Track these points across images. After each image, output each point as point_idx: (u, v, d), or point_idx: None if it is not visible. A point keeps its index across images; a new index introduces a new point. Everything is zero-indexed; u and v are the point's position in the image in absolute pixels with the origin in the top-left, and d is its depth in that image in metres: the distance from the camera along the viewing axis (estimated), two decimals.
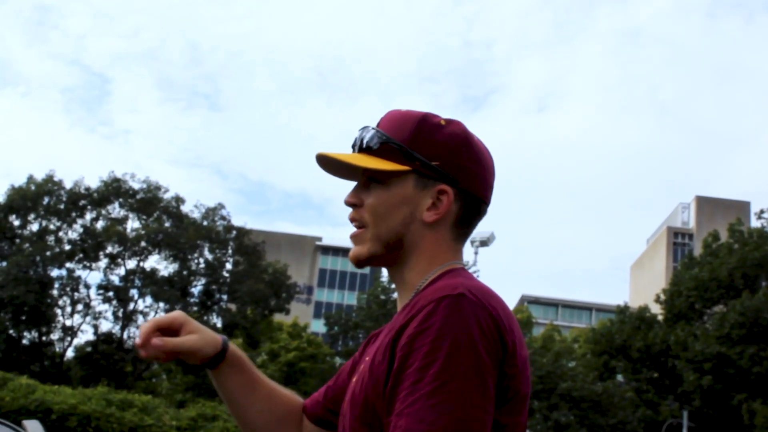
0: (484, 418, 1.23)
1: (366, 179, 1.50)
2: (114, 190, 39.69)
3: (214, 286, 40.82)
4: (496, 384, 1.27)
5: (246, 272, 40.76)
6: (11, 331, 36.87)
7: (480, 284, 1.36)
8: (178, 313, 1.59)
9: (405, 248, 1.47)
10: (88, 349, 39.65)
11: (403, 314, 1.37)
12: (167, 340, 1.53)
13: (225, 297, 41.45)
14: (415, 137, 1.46)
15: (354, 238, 1.51)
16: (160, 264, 40.54)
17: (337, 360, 45.34)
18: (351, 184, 1.54)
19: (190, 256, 39.97)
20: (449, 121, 1.51)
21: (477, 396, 1.22)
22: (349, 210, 1.52)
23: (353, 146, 1.53)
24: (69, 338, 39.29)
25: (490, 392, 1.25)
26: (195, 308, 40.37)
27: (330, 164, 1.52)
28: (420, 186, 1.45)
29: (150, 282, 38.92)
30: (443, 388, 1.21)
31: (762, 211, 38.97)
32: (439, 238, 1.47)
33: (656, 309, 42.66)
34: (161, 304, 39.20)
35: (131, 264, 39.81)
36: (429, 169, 1.45)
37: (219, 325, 41.73)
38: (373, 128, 1.50)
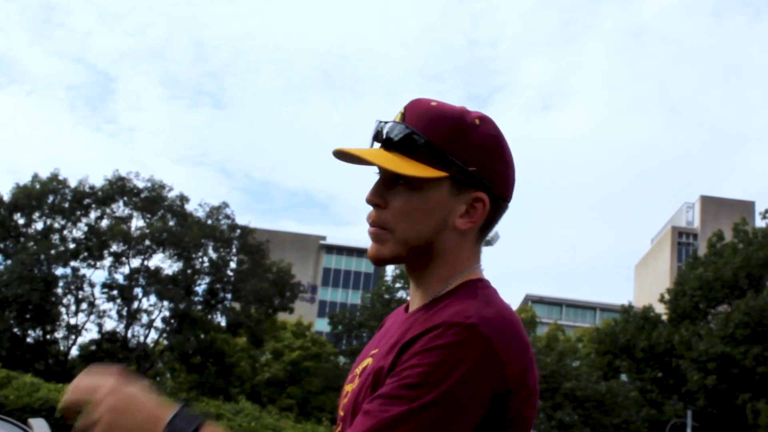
0: None
1: (392, 177, 1.40)
2: (118, 188, 39.73)
3: (218, 285, 40.85)
4: (489, 417, 1.26)
5: (250, 271, 40.78)
6: (16, 330, 36.94)
7: (496, 308, 1.32)
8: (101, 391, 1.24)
9: (433, 255, 1.41)
10: (93, 347, 39.73)
11: (417, 324, 1.35)
12: None
13: (229, 296, 41.48)
14: (452, 140, 1.37)
15: (375, 235, 1.42)
16: (164, 263, 40.62)
17: (341, 359, 45.36)
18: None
19: (194, 255, 40.00)
20: (482, 120, 1.43)
21: (452, 422, 1.21)
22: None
23: (376, 138, 1.43)
24: (73, 337, 39.37)
25: (468, 423, 1.23)
26: (199, 307, 40.42)
27: (350, 157, 1.41)
28: (454, 192, 1.38)
29: (154, 281, 38.95)
30: (420, 409, 1.21)
31: (767, 211, 38.90)
32: (465, 244, 1.43)
33: (660, 309, 42.63)
34: (165, 303, 39.25)
35: (135, 262, 39.89)
36: (466, 174, 1.38)
37: (223, 323, 41.78)
38: (407, 127, 1.39)
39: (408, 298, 1.54)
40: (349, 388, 1.46)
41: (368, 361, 1.45)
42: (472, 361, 1.23)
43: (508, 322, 1.31)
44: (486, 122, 1.43)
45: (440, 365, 1.23)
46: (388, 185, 1.41)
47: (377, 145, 1.44)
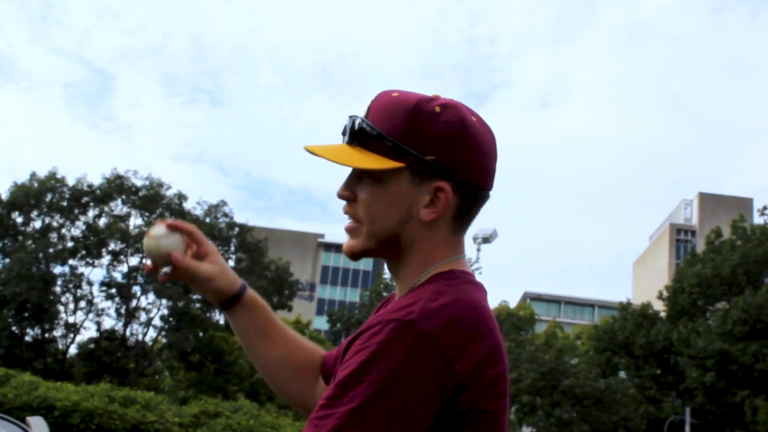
0: None
1: (359, 171, 1.41)
2: (117, 187, 39.71)
3: None
4: (448, 412, 1.23)
5: (248, 269, 40.77)
6: (14, 328, 36.92)
7: (451, 299, 1.29)
8: (210, 244, 1.59)
9: (402, 246, 1.40)
10: (91, 346, 39.71)
11: (373, 316, 1.35)
12: (185, 258, 1.54)
13: None
14: (407, 129, 1.36)
15: (349, 231, 1.43)
16: None
17: None
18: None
19: None
20: (444, 106, 1.39)
21: (383, 426, 1.18)
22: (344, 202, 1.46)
23: (343, 133, 1.44)
24: (72, 335, 39.35)
25: (409, 428, 1.20)
26: (198, 305, 40.42)
27: (321, 156, 1.43)
28: (416, 182, 1.37)
29: (152, 279, 38.91)
30: (356, 413, 1.18)
31: (765, 208, 38.93)
32: (437, 235, 1.40)
33: (659, 306, 42.67)
34: (164, 301, 39.25)
35: (134, 261, 39.87)
36: (424, 164, 1.35)
37: (222, 321, 41.77)
38: (362, 119, 1.40)
39: None
40: None
41: None
42: (406, 358, 1.20)
43: (460, 312, 1.27)
44: (449, 109, 1.39)
45: (373, 363, 1.20)
46: (358, 178, 1.42)
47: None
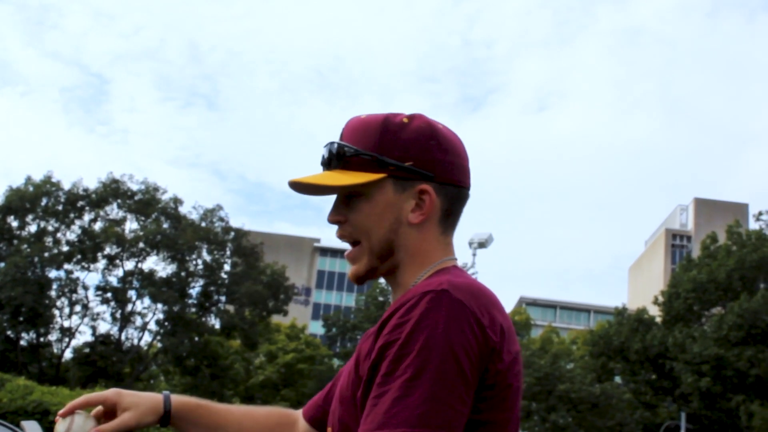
0: (450, 414, 1.22)
1: (345, 195, 1.48)
2: (112, 191, 39.66)
3: (212, 288, 40.81)
4: (479, 380, 1.27)
5: (244, 274, 40.74)
6: (9, 332, 36.81)
7: (467, 280, 1.36)
8: (110, 392, 1.59)
9: (396, 253, 1.46)
10: (86, 350, 39.62)
11: (390, 309, 1.37)
12: (102, 428, 1.52)
13: (223, 298, 41.43)
14: (382, 142, 1.44)
15: (351, 258, 1.49)
16: (158, 265, 40.54)
17: (335, 361, 45.35)
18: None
19: (188, 258, 39.96)
20: (412, 117, 1.48)
21: (446, 392, 1.22)
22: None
23: (322, 164, 1.50)
24: (67, 339, 39.26)
25: (463, 389, 1.24)
26: (193, 309, 40.37)
27: (306, 188, 1.49)
28: (399, 189, 1.44)
29: (148, 283, 38.89)
30: (412, 382, 1.22)
31: (760, 213, 39.02)
32: (428, 236, 1.47)
33: (654, 311, 42.69)
34: (159, 306, 39.20)
35: (129, 265, 39.82)
36: (403, 170, 1.43)
37: (217, 326, 41.73)
38: (338, 143, 1.47)
39: None
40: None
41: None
42: (447, 322, 1.26)
43: (481, 291, 1.35)
44: (415, 118, 1.49)
45: (419, 333, 1.25)
46: (345, 202, 1.48)
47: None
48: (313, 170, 1.52)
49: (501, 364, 1.30)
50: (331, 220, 1.50)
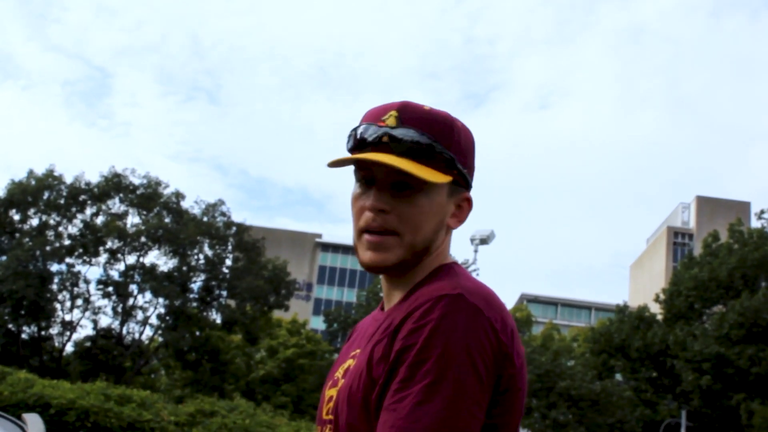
0: (469, 420, 1.22)
1: (398, 181, 1.39)
2: (114, 185, 39.69)
3: (213, 282, 40.84)
4: (493, 385, 1.28)
5: (245, 268, 40.76)
6: (11, 326, 36.88)
7: (477, 284, 1.35)
8: None
9: (427, 254, 1.43)
10: (88, 344, 39.68)
11: (401, 309, 1.36)
12: None
13: (224, 293, 41.47)
14: (454, 144, 1.40)
15: (378, 245, 1.40)
16: (159, 259, 40.59)
17: (336, 357, 45.31)
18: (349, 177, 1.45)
19: (189, 252, 39.98)
20: (461, 122, 1.47)
21: (465, 397, 1.22)
22: (357, 212, 1.43)
23: (374, 143, 1.39)
24: (68, 333, 39.32)
25: (480, 395, 1.24)
26: (194, 304, 40.39)
27: (397, 171, 1.37)
28: (450, 193, 1.43)
29: (150, 277, 38.92)
30: (432, 387, 1.21)
31: (762, 212, 38.96)
32: (448, 239, 1.48)
33: (655, 308, 42.68)
34: (161, 300, 39.24)
35: (131, 259, 39.87)
36: (462, 177, 1.43)
37: (218, 321, 41.75)
38: (416, 131, 1.38)
39: None
40: (332, 392, 1.46)
41: (350, 362, 1.45)
42: (465, 328, 1.26)
43: (491, 294, 1.35)
44: (463, 124, 1.47)
45: (437, 338, 1.25)
46: (391, 192, 1.40)
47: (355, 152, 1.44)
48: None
49: (513, 369, 1.31)
50: (380, 207, 1.39)
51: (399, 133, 1.38)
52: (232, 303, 41.41)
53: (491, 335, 1.27)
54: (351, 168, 1.46)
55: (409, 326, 1.29)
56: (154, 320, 39.78)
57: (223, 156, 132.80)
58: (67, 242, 38.91)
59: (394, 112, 1.41)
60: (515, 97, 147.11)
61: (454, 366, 1.22)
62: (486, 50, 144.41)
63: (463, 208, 1.45)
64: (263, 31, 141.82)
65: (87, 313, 39.43)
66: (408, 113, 1.40)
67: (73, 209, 39.29)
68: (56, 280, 38.13)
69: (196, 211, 41.10)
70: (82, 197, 39.39)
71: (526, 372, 1.37)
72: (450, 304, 1.27)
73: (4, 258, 37.00)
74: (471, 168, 1.45)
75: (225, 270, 41.45)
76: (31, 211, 39.03)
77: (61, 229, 39.39)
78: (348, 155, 1.42)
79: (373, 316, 1.56)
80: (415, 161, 1.37)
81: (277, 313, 46.12)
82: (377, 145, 1.39)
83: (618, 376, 41.39)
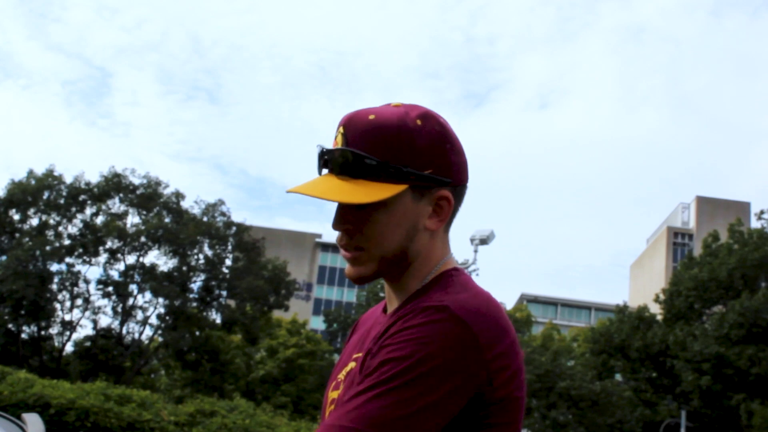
0: (423, 426, 1.21)
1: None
2: (114, 185, 39.70)
3: (213, 282, 40.84)
4: (464, 400, 1.25)
5: (245, 268, 40.77)
6: (10, 326, 36.89)
7: (472, 295, 1.32)
8: None
9: (408, 259, 1.41)
10: (87, 343, 39.70)
11: (395, 319, 1.35)
12: None
13: (224, 293, 41.48)
14: (401, 150, 1.34)
15: (352, 260, 1.41)
16: (159, 259, 40.63)
17: (336, 357, 45.34)
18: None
19: (189, 252, 39.99)
20: (424, 117, 1.39)
21: (422, 404, 1.20)
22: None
23: (333, 169, 1.37)
24: (68, 333, 39.33)
25: (442, 406, 1.22)
26: (194, 304, 40.40)
27: (322, 197, 1.36)
28: (416, 198, 1.37)
29: (149, 277, 38.93)
30: (392, 388, 1.21)
31: (762, 212, 38.97)
32: (437, 239, 1.43)
33: (655, 309, 42.69)
34: (160, 300, 39.24)
35: (131, 259, 39.88)
36: (423, 179, 1.36)
37: (218, 321, 41.76)
38: (357, 152, 1.35)
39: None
40: (334, 394, 1.47)
41: (352, 365, 1.45)
42: (442, 340, 1.23)
43: (484, 305, 1.31)
44: (428, 119, 1.40)
45: (410, 344, 1.24)
46: (352, 210, 1.39)
47: (325, 171, 1.40)
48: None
49: (504, 379, 1.29)
50: (341, 229, 1.39)
51: (336, 154, 1.36)
52: (232, 303, 41.42)
53: (470, 351, 1.24)
54: None
55: (390, 331, 1.29)
56: (154, 320, 39.83)
57: (223, 155, 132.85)
58: (67, 242, 38.92)
59: (341, 129, 1.39)
60: (515, 96, 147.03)
61: (419, 372, 1.21)
62: (486, 49, 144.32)
63: (442, 206, 1.39)
64: (263, 30, 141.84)
65: (87, 313, 39.47)
66: (351, 129, 1.37)
67: (73, 209, 39.30)
68: (56, 279, 38.14)
69: (196, 211, 41.13)
70: (82, 197, 39.40)
71: (524, 378, 1.35)
72: (431, 314, 1.26)
73: (4, 258, 37.01)
74: (442, 164, 1.38)
75: (225, 270, 41.46)
76: (31, 211, 39.04)
77: (60, 228, 39.41)
78: (296, 185, 1.40)
79: (375, 317, 1.55)
80: (357, 179, 1.35)
81: (277, 313, 46.13)
82: (326, 166, 1.39)
83: (618, 377, 41.41)
